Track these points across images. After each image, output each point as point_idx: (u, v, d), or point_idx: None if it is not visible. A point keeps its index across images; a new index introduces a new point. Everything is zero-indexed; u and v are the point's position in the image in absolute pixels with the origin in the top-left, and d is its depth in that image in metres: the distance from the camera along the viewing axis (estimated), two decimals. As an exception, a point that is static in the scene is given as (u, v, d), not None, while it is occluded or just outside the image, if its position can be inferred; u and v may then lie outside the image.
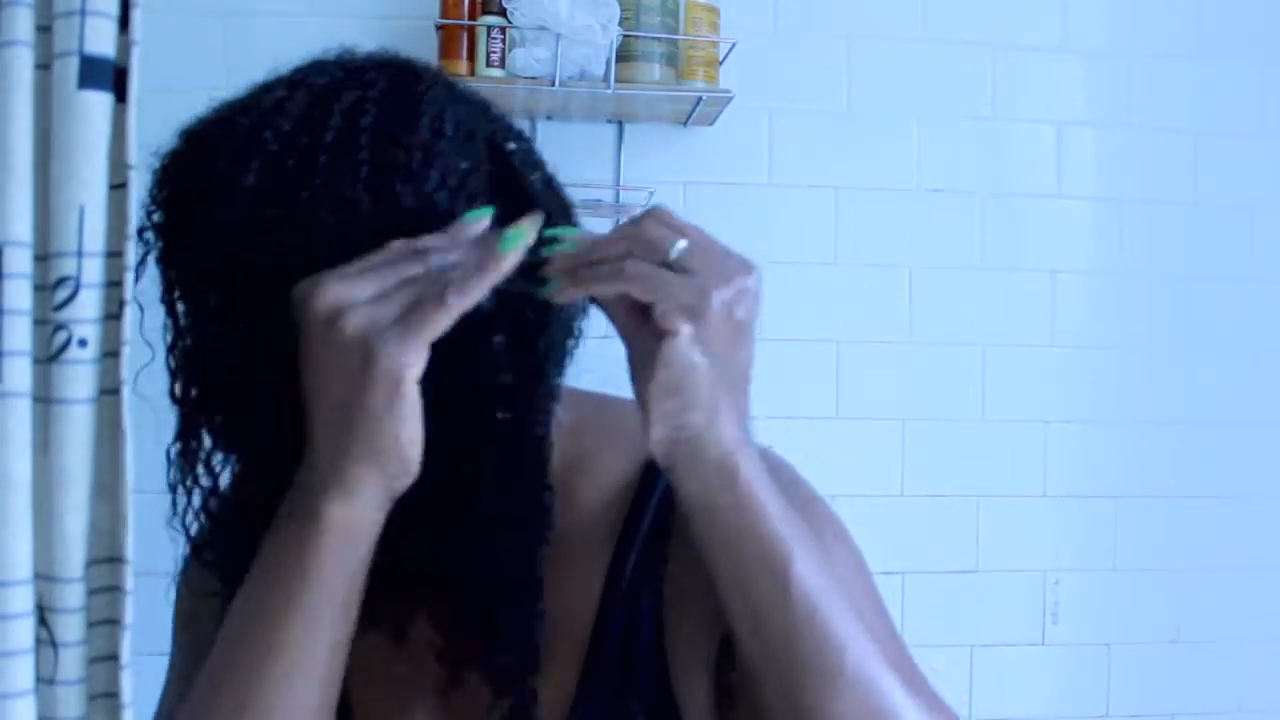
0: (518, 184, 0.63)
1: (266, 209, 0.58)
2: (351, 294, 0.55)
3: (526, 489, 0.64)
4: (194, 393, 0.64)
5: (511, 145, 0.65)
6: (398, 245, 0.57)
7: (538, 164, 0.66)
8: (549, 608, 0.66)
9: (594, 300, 0.61)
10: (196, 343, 0.64)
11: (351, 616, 0.60)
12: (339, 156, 0.59)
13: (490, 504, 0.63)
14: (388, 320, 0.55)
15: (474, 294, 0.55)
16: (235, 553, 0.64)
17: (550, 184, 0.66)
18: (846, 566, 0.66)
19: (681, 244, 0.56)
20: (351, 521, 0.57)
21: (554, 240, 0.59)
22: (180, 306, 0.64)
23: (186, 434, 0.65)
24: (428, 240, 0.57)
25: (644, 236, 0.57)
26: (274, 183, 0.59)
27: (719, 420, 0.57)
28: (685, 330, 0.55)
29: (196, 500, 0.67)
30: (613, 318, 0.60)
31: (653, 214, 0.58)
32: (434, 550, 0.65)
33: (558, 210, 0.64)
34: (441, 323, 0.55)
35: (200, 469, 0.66)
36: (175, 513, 0.67)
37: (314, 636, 0.58)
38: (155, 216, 0.63)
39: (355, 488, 0.57)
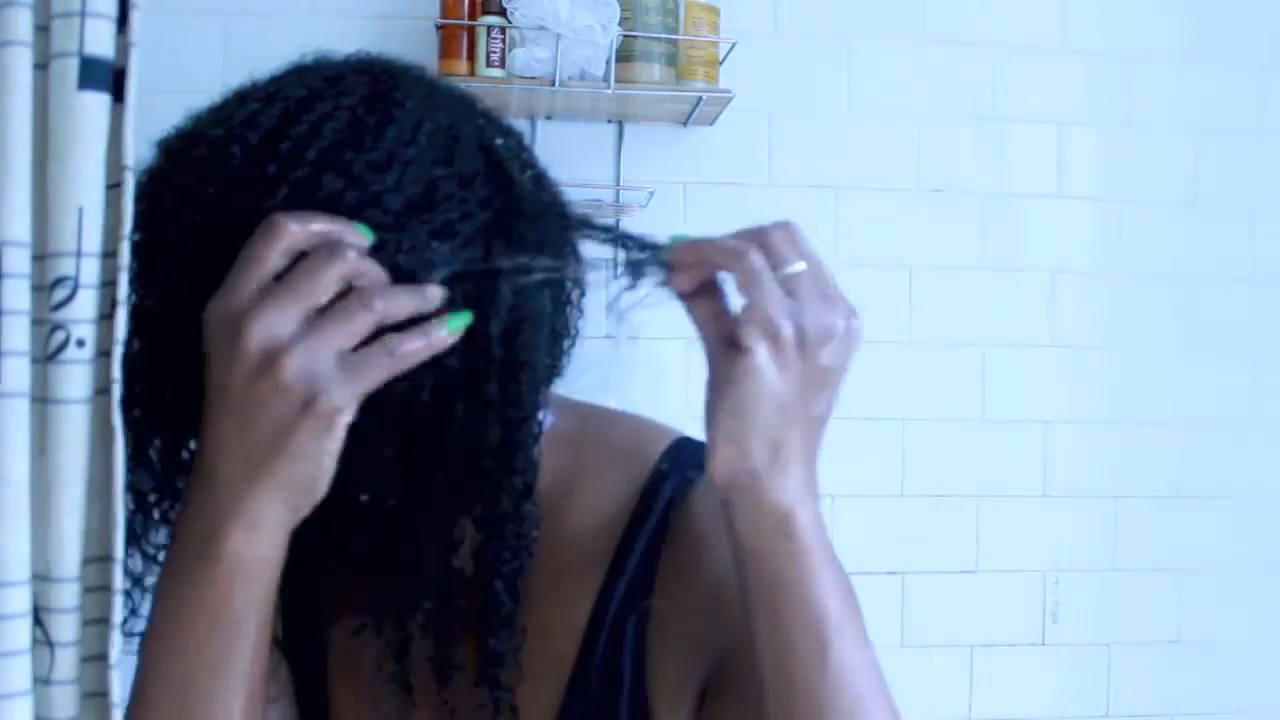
0: (508, 184, 0.61)
1: (230, 228, 0.55)
2: (283, 329, 0.52)
3: (507, 503, 0.61)
4: (138, 413, 0.60)
5: (499, 142, 0.62)
6: (312, 262, 0.53)
7: (528, 162, 0.64)
8: (535, 625, 0.65)
9: (689, 309, 0.57)
10: (159, 359, 0.60)
11: (265, 642, 0.58)
12: (297, 175, 0.56)
13: (470, 512, 0.61)
14: (327, 364, 0.52)
15: (416, 359, 0.54)
16: None
17: (541, 182, 0.64)
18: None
19: (799, 265, 0.54)
20: (257, 556, 0.55)
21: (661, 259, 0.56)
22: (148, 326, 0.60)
23: (138, 453, 0.61)
24: (357, 265, 0.54)
25: (768, 240, 0.54)
26: (238, 201, 0.56)
27: (783, 461, 0.54)
28: (762, 349, 0.52)
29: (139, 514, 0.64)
30: (701, 329, 0.56)
31: (785, 227, 0.55)
32: (408, 559, 0.62)
33: (549, 209, 0.62)
34: (386, 376, 0.53)
35: (146, 488, 0.63)
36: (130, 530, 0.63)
37: (229, 670, 0.56)
38: (135, 235, 0.59)
39: (260, 521, 0.54)
